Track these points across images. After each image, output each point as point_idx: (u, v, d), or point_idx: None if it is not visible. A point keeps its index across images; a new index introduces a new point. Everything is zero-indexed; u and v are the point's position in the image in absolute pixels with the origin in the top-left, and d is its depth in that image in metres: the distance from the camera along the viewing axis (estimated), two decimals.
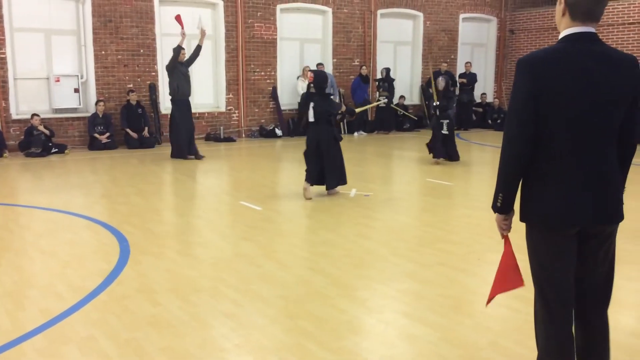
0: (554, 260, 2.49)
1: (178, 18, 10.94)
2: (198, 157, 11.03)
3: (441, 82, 10.32)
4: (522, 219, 2.54)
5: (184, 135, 11.02)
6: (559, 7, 2.46)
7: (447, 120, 10.15)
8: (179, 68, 10.95)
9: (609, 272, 2.57)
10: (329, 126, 7.63)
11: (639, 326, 3.75)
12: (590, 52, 2.38)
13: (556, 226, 2.45)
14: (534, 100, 2.38)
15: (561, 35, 2.46)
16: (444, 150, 10.20)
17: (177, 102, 11.08)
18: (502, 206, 2.54)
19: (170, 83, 11.07)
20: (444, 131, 10.14)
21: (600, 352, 2.60)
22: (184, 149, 11.00)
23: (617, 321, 3.70)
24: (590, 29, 2.40)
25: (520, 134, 2.41)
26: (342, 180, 7.77)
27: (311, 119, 7.59)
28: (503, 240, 2.72)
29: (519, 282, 2.69)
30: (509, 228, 2.65)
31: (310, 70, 8.11)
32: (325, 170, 7.61)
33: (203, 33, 11.33)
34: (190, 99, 13.89)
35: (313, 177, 7.61)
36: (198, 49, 11.35)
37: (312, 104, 7.53)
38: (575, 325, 2.61)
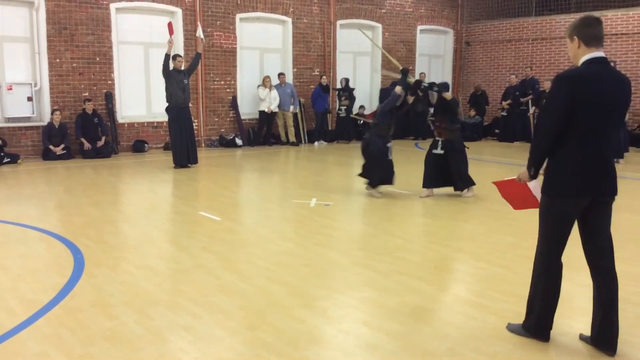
0: (564, 220, 3.41)
1: (170, 25, 10.88)
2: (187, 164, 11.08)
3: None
4: (545, 191, 3.45)
5: (178, 143, 10.94)
6: (574, 44, 3.39)
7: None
8: (174, 76, 10.81)
9: (609, 230, 3.47)
10: None
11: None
12: (606, 72, 3.33)
13: (578, 196, 3.35)
14: (567, 105, 3.26)
15: (582, 61, 3.36)
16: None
17: (170, 109, 10.97)
18: (534, 174, 3.52)
19: (165, 90, 10.95)
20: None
21: (613, 294, 3.43)
22: (181, 157, 10.93)
23: (570, 327, 3.81)
24: (602, 53, 3.36)
25: (552, 130, 3.32)
26: None
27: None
28: (514, 178, 3.69)
29: (536, 204, 3.66)
30: (527, 181, 3.61)
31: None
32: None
33: (201, 40, 11.37)
34: (148, 107, 13.80)
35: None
36: (197, 56, 11.32)
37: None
38: (592, 275, 3.49)
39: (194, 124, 14.07)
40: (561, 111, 3.29)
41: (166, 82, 10.84)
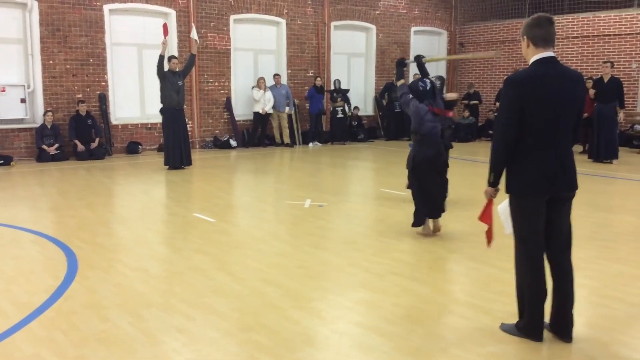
0: (534, 218, 3.46)
1: (164, 26, 10.87)
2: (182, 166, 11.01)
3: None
4: (507, 191, 3.54)
5: (171, 144, 10.88)
6: (524, 43, 3.48)
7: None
8: (169, 77, 10.78)
9: (569, 225, 3.57)
10: None
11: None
12: (556, 71, 3.39)
13: (536, 194, 3.43)
14: (518, 107, 3.35)
15: (531, 61, 3.44)
16: None
17: (164, 111, 10.94)
18: (493, 181, 3.59)
19: (160, 91, 10.92)
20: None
21: (569, 287, 3.54)
22: (174, 158, 10.88)
23: None
24: (551, 53, 3.42)
25: (508, 132, 3.41)
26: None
27: None
28: (487, 201, 3.77)
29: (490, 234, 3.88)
30: (495, 196, 3.67)
31: None
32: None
33: (194, 42, 11.37)
34: (142, 108, 13.77)
35: None
36: (192, 58, 11.28)
37: None
38: (550, 269, 3.56)
39: (188, 126, 14.08)
40: (512, 114, 3.38)
41: (160, 83, 10.83)
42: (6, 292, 4.51)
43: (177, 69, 11.02)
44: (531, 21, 3.45)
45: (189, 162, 11.16)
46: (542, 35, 3.40)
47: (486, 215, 3.85)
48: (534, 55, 3.43)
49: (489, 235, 3.91)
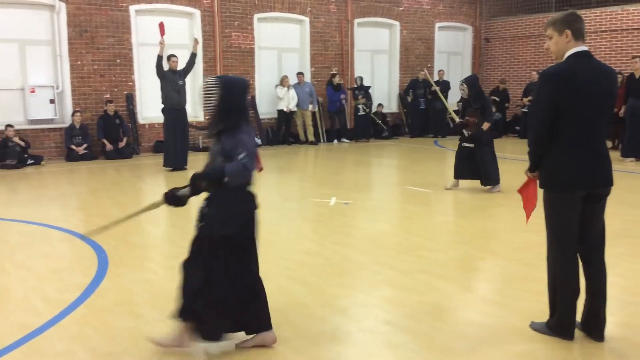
0: (569, 214, 3.45)
1: (161, 25, 10.65)
2: (179, 167, 10.81)
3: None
4: (542, 186, 3.56)
5: (171, 144, 10.77)
6: (562, 37, 3.46)
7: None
8: (169, 77, 10.63)
9: (603, 223, 3.57)
10: None
11: None
12: (591, 65, 3.44)
13: (572, 190, 3.42)
14: (555, 102, 3.36)
15: (567, 55, 3.46)
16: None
17: (165, 111, 10.84)
18: (531, 168, 3.60)
19: (160, 91, 10.80)
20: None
21: (601, 286, 3.52)
22: (171, 158, 10.75)
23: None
24: (586, 47, 3.49)
25: (544, 127, 3.42)
26: None
27: None
28: (528, 180, 3.76)
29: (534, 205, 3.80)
30: (536, 177, 3.63)
31: None
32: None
33: (195, 41, 11.32)
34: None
35: None
36: (192, 57, 11.09)
37: None
38: (583, 267, 3.54)
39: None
40: (547, 107, 3.39)
41: (161, 83, 10.66)
42: (38, 290, 4.60)
43: (177, 68, 10.83)
44: (569, 17, 3.49)
45: (184, 164, 10.86)
46: (581, 29, 3.47)
47: (524, 189, 3.82)
48: (572, 49, 3.45)
49: (526, 208, 3.87)
